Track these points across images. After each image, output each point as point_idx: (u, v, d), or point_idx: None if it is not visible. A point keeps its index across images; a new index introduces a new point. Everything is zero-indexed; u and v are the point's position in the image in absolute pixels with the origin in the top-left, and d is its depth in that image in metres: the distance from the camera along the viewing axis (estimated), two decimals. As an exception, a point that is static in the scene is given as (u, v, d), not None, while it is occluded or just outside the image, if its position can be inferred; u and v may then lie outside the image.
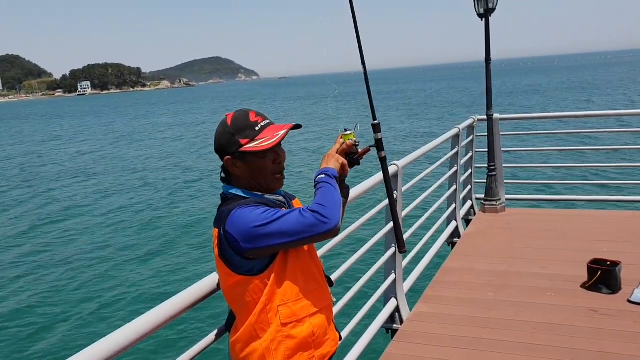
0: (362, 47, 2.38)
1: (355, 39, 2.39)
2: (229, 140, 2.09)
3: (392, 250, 4.55)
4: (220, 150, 2.12)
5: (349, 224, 3.84)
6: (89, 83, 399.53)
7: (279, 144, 2.11)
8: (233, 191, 2.13)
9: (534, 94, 61.56)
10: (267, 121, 2.12)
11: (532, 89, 70.01)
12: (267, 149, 2.05)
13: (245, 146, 2.06)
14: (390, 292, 4.64)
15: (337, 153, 2.26)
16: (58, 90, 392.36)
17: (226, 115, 2.15)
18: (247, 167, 2.10)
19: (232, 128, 2.09)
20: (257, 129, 2.08)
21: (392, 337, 4.40)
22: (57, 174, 28.66)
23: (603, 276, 4.76)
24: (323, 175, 2.14)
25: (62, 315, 10.67)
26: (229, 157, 2.10)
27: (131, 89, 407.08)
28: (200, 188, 22.34)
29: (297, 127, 2.13)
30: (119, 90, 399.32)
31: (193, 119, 64.09)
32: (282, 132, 2.06)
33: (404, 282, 4.87)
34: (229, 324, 2.20)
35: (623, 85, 61.79)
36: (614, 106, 40.52)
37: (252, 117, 2.11)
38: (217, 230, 2.04)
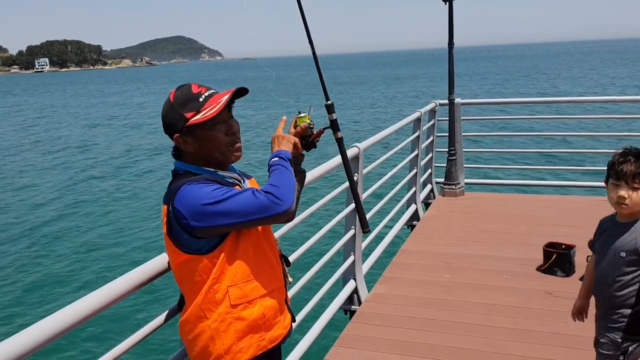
0: (309, 29, 2.31)
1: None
2: (174, 117, 1.99)
3: (352, 231, 4.55)
4: (168, 129, 2.02)
5: (309, 205, 3.82)
6: (47, 60, 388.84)
7: (229, 114, 2.05)
8: (184, 167, 2.04)
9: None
10: (212, 91, 2.03)
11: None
12: (213, 117, 1.96)
13: (192, 119, 1.97)
14: (349, 274, 4.65)
15: (292, 136, 2.20)
16: (14, 67, 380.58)
17: (170, 93, 2.05)
18: (199, 142, 2.01)
19: (176, 103, 1.99)
20: (201, 100, 1.99)
21: (350, 318, 4.41)
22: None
23: (558, 259, 4.86)
24: (276, 158, 2.07)
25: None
26: (177, 134, 2.00)
27: (92, 67, 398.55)
28: (151, 164, 22.00)
29: (244, 91, 2.04)
30: (79, 68, 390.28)
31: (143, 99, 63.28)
32: (225, 98, 1.99)
33: (362, 264, 4.88)
34: (181, 304, 2.14)
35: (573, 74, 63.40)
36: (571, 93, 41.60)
37: (195, 89, 2.01)
38: (166, 207, 1.96)
